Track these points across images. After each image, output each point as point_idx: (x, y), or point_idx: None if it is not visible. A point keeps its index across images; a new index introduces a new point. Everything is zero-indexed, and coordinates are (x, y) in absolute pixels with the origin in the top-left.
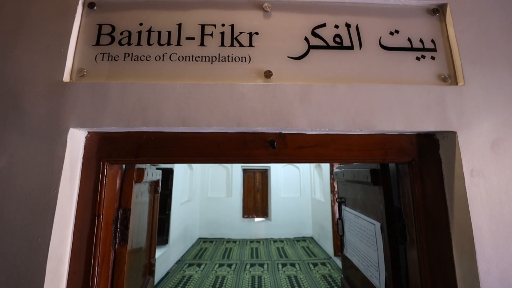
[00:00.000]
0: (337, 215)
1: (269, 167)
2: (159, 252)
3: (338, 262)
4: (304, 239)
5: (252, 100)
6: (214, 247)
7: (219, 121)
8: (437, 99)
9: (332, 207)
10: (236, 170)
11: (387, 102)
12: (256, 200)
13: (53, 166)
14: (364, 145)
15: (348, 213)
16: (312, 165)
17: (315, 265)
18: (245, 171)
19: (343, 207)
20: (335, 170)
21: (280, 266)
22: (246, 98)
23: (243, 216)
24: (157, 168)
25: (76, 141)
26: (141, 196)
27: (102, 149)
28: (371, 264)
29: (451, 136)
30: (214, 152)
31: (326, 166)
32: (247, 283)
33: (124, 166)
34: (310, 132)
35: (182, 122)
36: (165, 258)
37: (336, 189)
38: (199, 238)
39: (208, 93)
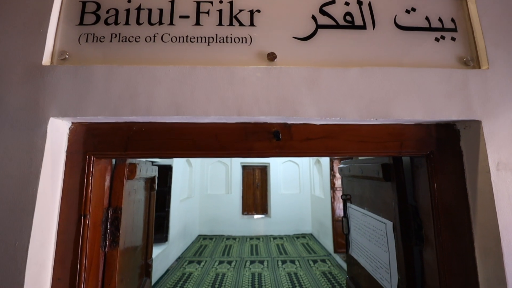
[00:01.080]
0: (337, 212)
1: (269, 163)
2: (158, 250)
3: (338, 259)
4: (303, 235)
5: (254, 85)
6: (214, 244)
7: (217, 109)
8: (459, 85)
9: (332, 203)
10: (235, 167)
11: (404, 88)
12: (255, 197)
13: (32, 160)
14: (378, 137)
15: (354, 210)
16: (312, 161)
17: (315, 261)
18: (244, 167)
19: (348, 204)
20: (340, 166)
21: (280, 263)
22: (248, 83)
23: (243, 213)
24: (154, 164)
25: (58, 132)
26: (134, 194)
27: (88, 141)
28: (381, 266)
29: (475, 125)
30: (212, 145)
31: (325, 163)
32: (247, 280)
33: (114, 161)
34: (318, 122)
35: (176, 111)
36: (164, 255)
37: (335, 185)
38: (199, 235)
39: (205, 78)
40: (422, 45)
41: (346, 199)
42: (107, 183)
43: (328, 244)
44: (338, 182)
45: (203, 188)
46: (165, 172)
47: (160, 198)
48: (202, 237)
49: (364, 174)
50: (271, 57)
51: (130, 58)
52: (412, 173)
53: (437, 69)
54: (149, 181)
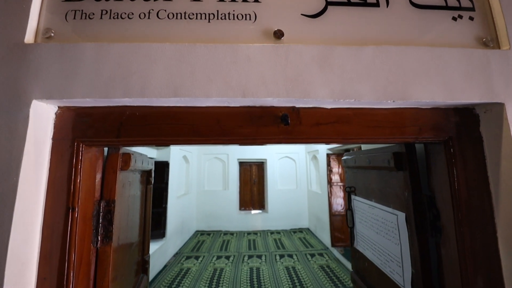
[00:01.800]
0: (334, 207)
1: (265, 159)
2: (156, 246)
3: (335, 253)
4: (300, 230)
5: (260, 64)
6: (211, 239)
7: (220, 91)
8: (479, 65)
9: (329, 198)
10: (232, 163)
11: (423, 67)
12: (252, 192)
13: (12, 148)
14: (395, 121)
15: (360, 203)
16: (308, 157)
17: (312, 255)
18: (241, 164)
19: (352, 196)
20: (344, 157)
21: (277, 257)
22: (253, 62)
23: (240, 209)
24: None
25: (42, 117)
26: (129, 187)
27: (76, 127)
28: (392, 259)
29: (497, 109)
30: (214, 130)
31: (322, 158)
32: (245, 275)
33: (106, 150)
34: (329, 106)
35: (174, 92)
36: (162, 251)
37: (332, 180)
38: (197, 231)
39: (205, 56)
40: (439, 24)
41: (350, 191)
42: (98, 174)
43: (325, 238)
44: (335, 177)
45: (200, 185)
46: (162, 169)
47: (157, 195)
48: (199, 233)
49: (372, 164)
50: (278, 34)
51: (122, 36)
52: (427, 161)
53: (456, 48)
54: (145, 174)
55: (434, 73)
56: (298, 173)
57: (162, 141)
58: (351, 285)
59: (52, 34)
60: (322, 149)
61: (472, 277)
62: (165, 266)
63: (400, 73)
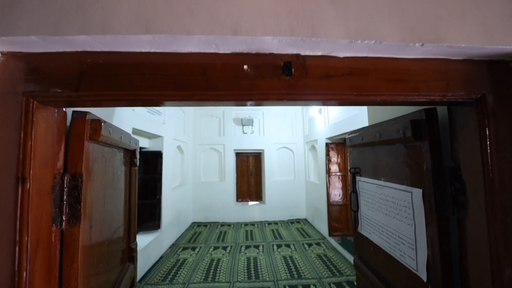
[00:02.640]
0: (332, 197)
1: (263, 150)
2: (151, 237)
3: (333, 242)
4: (298, 220)
5: None
6: (208, 230)
7: (205, 26)
8: None
9: (327, 188)
10: (228, 154)
11: (458, 3)
12: (250, 184)
13: None
14: (419, 74)
15: (366, 184)
16: (307, 147)
17: (309, 245)
18: (238, 154)
19: (357, 178)
20: (349, 135)
21: (275, 247)
22: None
23: (237, 200)
24: (142, 151)
25: None
26: (106, 164)
27: (24, 79)
28: (403, 241)
29: None
30: (199, 83)
31: (321, 148)
32: (242, 265)
33: (71, 115)
34: (342, 54)
35: (145, 27)
36: (157, 242)
37: (331, 170)
38: (193, 222)
39: None
40: None
41: (355, 173)
42: (61, 143)
43: (323, 228)
44: (333, 167)
45: (196, 176)
46: (155, 159)
47: (151, 186)
48: (196, 224)
49: (383, 138)
50: None
51: None
52: (451, 128)
53: None
54: (129, 154)
55: (470, 9)
56: (296, 163)
57: (132, 97)
58: (348, 272)
59: None
60: (321, 138)
61: (503, 258)
62: (161, 257)
63: (430, 9)
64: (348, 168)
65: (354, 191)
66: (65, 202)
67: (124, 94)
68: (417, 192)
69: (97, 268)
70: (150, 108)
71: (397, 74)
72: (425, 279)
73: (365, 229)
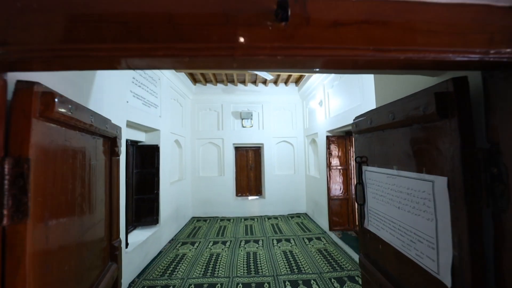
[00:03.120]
0: (332, 191)
1: (262, 144)
2: (149, 232)
3: (333, 236)
4: (298, 215)
5: None
6: (208, 225)
7: None
8: None
9: (328, 182)
10: (227, 148)
11: None
12: (249, 178)
13: None
14: (456, 24)
15: (375, 174)
16: (307, 141)
17: (310, 239)
18: (237, 149)
19: (364, 168)
20: (355, 120)
21: (275, 241)
22: None
23: (237, 195)
24: (140, 145)
25: None
26: (70, 149)
27: None
28: (420, 239)
29: None
30: (163, 32)
31: (322, 141)
32: (242, 259)
33: (13, 86)
34: None
35: None
36: (156, 237)
37: (332, 164)
38: (193, 217)
39: None
40: None
41: (361, 162)
42: (2, 120)
43: (323, 222)
44: (334, 161)
45: (195, 170)
46: (152, 153)
47: (149, 180)
48: (195, 219)
49: (397, 119)
50: None
51: None
52: (488, 100)
53: None
54: (108, 142)
55: None
56: (296, 157)
57: (80, 50)
58: (349, 267)
59: None
60: (322, 131)
61: None
62: (160, 252)
63: None
64: (354, 158)
65: (360, 182)
66: (6, 193)
67: (66, 47)
68: (441, 181)
69: (60, 272)
70: (145, 100)
71: (426, 23)
72: (449, 285)
73: (372, 225)
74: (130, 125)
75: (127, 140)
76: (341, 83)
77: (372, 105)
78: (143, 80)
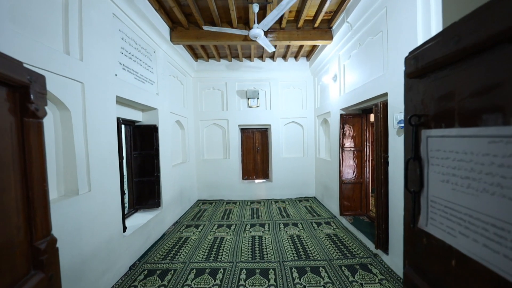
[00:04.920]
0: (345, 174)
1: (270, 125)
2: (151, 215)
3: (344, 221)
4: (306, 199)
5: None
6: (213, 208)
7: None
8: None
9: (340, 165)
10: (232, 130)
11: None
12: (256, 161)
13: None
14: None
15: (454, 141)
16: (318, 121)
17: (319, 224)
18: (243, 130)
19: (425, 133)
20: (411, 55)
21: (282, 226)
22: None
23: (243, 178)
24: (137, 125)
25: None
26: None
27: None
28: None
29: None
30: None
31: (334, 120)
32: (247, 244)
33: None
34: None
35: None
36: (159, 220)
37: (345, 145)
38: (198, 200)
39: None
40: None
41: (419, 124)
42: None
43: (333, 207)
44: (348, 142)
45: (199, 153)
46: (150, 133)
47: (148, 162)
48: (201, 202)
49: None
50: None
51: None
52: None
53: None
54: (12, 93)
55: None
56: (306, 140)
57: None
58: (361, 254)
59: None
60: (335, 110)
61: None
62: (164, 234)
63: None
64: (371, 138)
65: (416, 157)
66: None
67: None
68: None
69: None
70: (139, 75)
71: None
72: None
73: (437, 226)
74: (122, 102)
75: (118, 118)
76: (360, 51)
77: (400, 74)
78: (134, 51)
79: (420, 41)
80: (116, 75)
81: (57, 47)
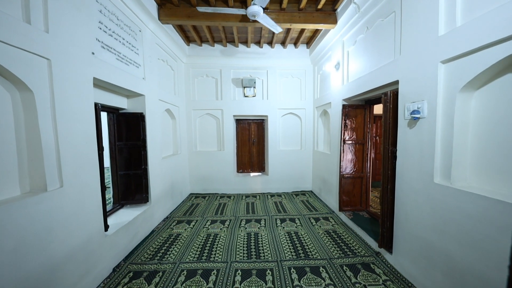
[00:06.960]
0: (345, 168)
1: (266, 116)
2: (138, 211)
3: (343, 217)
4: (303, 193)
5: None
6: (206, 202)
7: None
8: None
9: (340, 159)
10: (227, 121)
11: None
12: (251, 154)
13: None
14: None
15: None
16: (317, 113)
17: (317, 220)
18: (238, 121)
19: None
20: None
21: (278, 221)
22: None
23: (238, 171)
24: (122, 112)
25: None
26: None
27: None
28: None
29: None
30: None
31: (336, 112)
32: (242, 241)
33: None
34: None
35: None
36: (147, 216)
37: (346, 137)
38: (191, 194)
39: None
40: None
41: None
42: None
43: (332, 201)
44: (349, 135)
45: (192, 145)
46: (136, 122)
47: (135, 154)
48: (194, 196)
49: None
50: None
51: None
52: None
53: None
54: None
55: None
56: (304, 132)
57: None
58: (362, 252)
59: None
60: (336, 100)
61: None
62: (152, 231)
63: None
64: (378, 130)
65: None
66: None
67: None
68: None
69: None
70: (121, 55)
71: None
72: None
73: None
74: (101, 85)
75: (96, 104)
76: (367, 36)
77: (415, 60)
78: (116, 28)
79: (442, 21)
80: (93, 53)
81: (14, 13)
